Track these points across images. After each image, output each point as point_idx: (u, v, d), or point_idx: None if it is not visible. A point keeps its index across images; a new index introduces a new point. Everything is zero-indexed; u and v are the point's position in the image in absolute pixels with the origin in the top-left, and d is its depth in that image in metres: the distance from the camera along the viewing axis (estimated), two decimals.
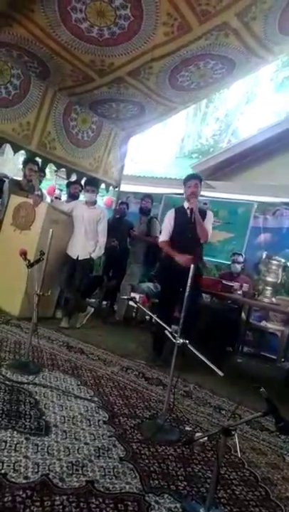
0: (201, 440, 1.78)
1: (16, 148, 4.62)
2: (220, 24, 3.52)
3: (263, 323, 4.86)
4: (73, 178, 5.36)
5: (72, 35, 3.76)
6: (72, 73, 4.34)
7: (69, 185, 4.99)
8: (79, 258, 4.23)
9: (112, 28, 3.66)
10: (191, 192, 3.51)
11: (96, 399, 2.50)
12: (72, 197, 4.78)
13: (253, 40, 3.77)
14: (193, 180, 3.57)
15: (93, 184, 4.42)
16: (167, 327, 2.36)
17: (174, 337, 2.29)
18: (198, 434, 1.97)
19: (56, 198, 5.97)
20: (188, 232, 3.53)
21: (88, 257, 4.23)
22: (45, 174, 5.29)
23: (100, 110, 5.17)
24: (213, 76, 4.38)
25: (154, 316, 2.58)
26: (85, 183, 4.52)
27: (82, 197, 4.73)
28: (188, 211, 3.57)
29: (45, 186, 7.10)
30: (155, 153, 17.20)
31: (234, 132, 16.43)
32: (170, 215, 3.69)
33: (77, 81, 4.49)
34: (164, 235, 3.72)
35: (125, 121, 5.48)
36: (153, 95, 4.72)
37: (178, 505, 1.63)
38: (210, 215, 3.67)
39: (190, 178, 3.62)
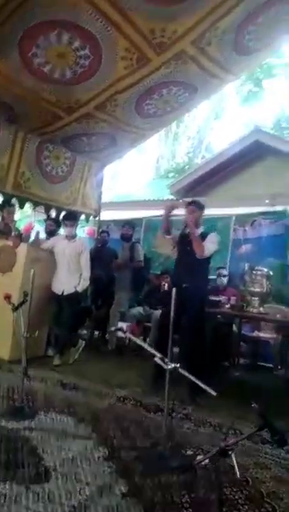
0: (203, 463, 1.78)
1: None
2: (177, 53, 3.65)
3: (255, 333, 4.89)
4: (52, 213, 5.41)
5: (37, 78, 3.87)
6: (40, 114, 4.45)
7: (45, 221, 5.11)
8: (64, 293, 4.23)
9: (73, 67, 3.77)
10: (187, 213, 3.77)
11: (94, 435, 2.49)
12: (50, 234, 4.82)
13: (212, 64, 3.91)
14: (188, 205, 3.87)
15: (71, 218, 4.48)
16: (156, 353, 2.38)
17: (165, 362, 2.31)
18: (198, 458, 1.97)
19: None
20: (185, 254, 3.73)
21: (73, 291, 4.24)
22: (21, 207, 5.31)
23: (72, 145, 5.28)
24: (178, 101, 4.52)
25: (143, 344, 2.60)
26: (63, 218, 4.59)
27: (62, 231, 4.78)
28: (187, 235, 3.78)
29: (22, 224, 7.15)
30: (132, 177, 17.48)
31: (207, 147, 16.82)
32: (175, 234, 3.94)
33: (46, 121, 4.60)
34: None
35: (98, 153, 5.60)
36: (122, 125, 4.85)
37: None
38: (211, 235, 3.79)
39: (186, 205, 3.91)
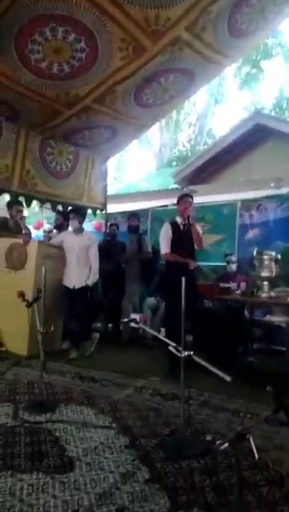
0: (222, 447, 1.81)
1: None
2: (172, 39, 3.64)
3: (268, 318, 4.89)
4: (60, 207, 5.45)
5: (35, 75, 3.88)
6: (40, 110, 4.46)
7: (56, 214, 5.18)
8: (75, 287, 4.29)
9: (70, 61, 3.77)
10: (184, 208, 3.90)
11: (115, 425, 2.54)
12: (59, 228, 4.85)
13: (207, 49, 3.89)
14: (186, 197, 4.00)
15: (76, 212, 4.50)
16: (171, 342, 2.41)
17: (179, 350, 2.34)
18: (217, 443, 2.01)
19: (49, 231, 6.03)
20: (183, 243, 3.87)
21: (84, 284, 4.30)
22: (28, 205, 5.35)
23: (74, 140, 5.29)
24: (176, 89, 4.50)
25: (156, 333, 2.63)
26: (68, 212, 4.62)
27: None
28: (181, 226, 3.92)
29: (32, 221, 7.20)
30: (136, 168, 17.43)
31: (209, 133, 16.67)
32: (167, 228, 3.96)
33: (47, 117, 4.61)
34: (165, 247, 3.94)
35: (100, 146, 5.60)
36: (122, 117, 4.84)
37: None
38: (197, 226, 4.03)
39: (182, 197, 4.03)
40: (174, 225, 3.96)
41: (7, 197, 4.93)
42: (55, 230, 5.03)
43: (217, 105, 17.20)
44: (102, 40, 3.55)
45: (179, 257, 3.83)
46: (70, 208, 5.04)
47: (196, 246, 3.92)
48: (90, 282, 4.34)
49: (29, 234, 4.47)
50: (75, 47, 3.60)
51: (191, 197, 4.05)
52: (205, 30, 3.62)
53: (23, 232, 4.30)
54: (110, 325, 5.66)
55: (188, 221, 3.85)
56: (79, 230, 4.42)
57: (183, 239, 3.88)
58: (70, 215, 4.50)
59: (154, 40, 3.60)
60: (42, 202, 5.35)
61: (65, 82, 4.03)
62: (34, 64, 3.74)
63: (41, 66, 3.77)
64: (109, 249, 5.33)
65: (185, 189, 7.32)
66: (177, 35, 3.58)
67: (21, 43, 3.48)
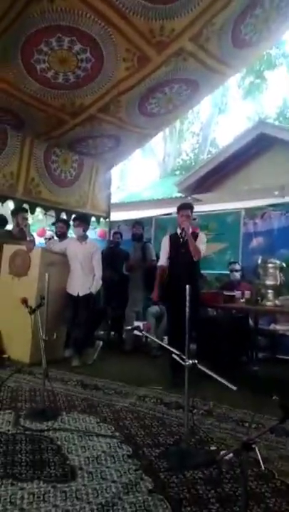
0: (227, 458, 1.78)
1: (2, 199, 4.75)
2: (177, 50, 3.69)
3: (272, 326, 4.85)
4: (63, 215, 5.46)
5: (40, 84, 3.93)
6: (45, 119, 4.51)
7: (55, 224, 5.09)
8: (79, 295, 4.28)
9: (76, 71, 3.82)
10: (181, 221, 3.90)
11: (117, 434, 2.51)
12: (61, 236, 4.85)
13: (211, 59, 3.94)
14: (184, 210, 3.95)
15: (81, 220, 4.52)
16: (175, 350, 2.39)
17: (183, 359, 2.32)
18: (222, 453, 1.97)
19: (50, 238, 6.05)
20: (181, 255, 3.87)
21: (88, 292, 4.29)
22: (33, 212, 5.35)
23: (79, 148, 5.34)
24: (180, 98, 4.55)
25: (159, 341, 2.61)
26: (72, 220, 4.64)
27: (70, 233, 4.82)
28: (180, 237, 3.94)
29: (35, 229, 7.24)
30: (139, 177, 17.52)
31: (212, 143, 16.76)
32: (165, 241, 4.06)
33: (52, 125, 4.66)
34: (161, 260, 4.06)
35: (104, 154, 5.64)
36: (126, 126, 4.88)
37: None
38: (201, 236, 4.01)
39: (181, 207, 4.00)
40: (173, 237, 4.02)
41: (11, 204, 4.97)
42: (56, 238, 5.00)
43: (221, 115, 17.32)
44: (107, 51, 3.60)
45: (158, 281, 4.04)
46: (73, 215, 5.04)
47: (194, 257, 3.86)
48: (93, 290, 4.33)
49: (33, 241, 4.48)
50: (80, 57, 3.66)
51: (191, 207, 4.02)
52: (209, 41, 3.67)
53: (28, 239, 4.30)
54: (113, 333, 5.64)
55: (183, 234, 3.87)
56: (83, 238, 4.42)
57: (181, 250, 3.89)
58: (74, 222, 4.50)
59: (158, 50, 3.65)
60: (46, 209, 5.38)
61: (70, 92, 4.09)
62: (40, 73, 3.79)
63: (47, 75, 3.82)
64: (112, 257, 5.33)
65: (189, 198, 7.35)
66: (181, 45, 3.63)
67: (27, 52, 3.54)
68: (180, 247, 3.91)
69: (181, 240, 3.91)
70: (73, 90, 4.06)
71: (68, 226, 4.91)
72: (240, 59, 4.19)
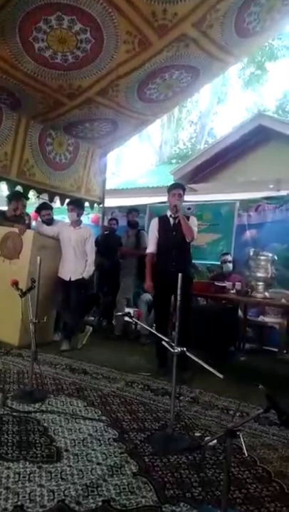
0: (211, 444, 1.81)
1: None
2: (179, 36, 3.62)
3: (261, 318, 4.91)
4: (56, 201, 5.40)
5: (37, 63, 3.84)
6: (42, 100, 4.42)
7: (39, 211, 4.80)
8: (71, 279, 4.27)
9: (75, 52, 3.74)
10: (174, 199, 3.66)
11: (104, 418, 2.54)
12: (47, 223, 4.65)
13: (213, 46, 3.88)
14: (176, 189, 3.73)
15: (75, 204, 4.47)
16: (163, 337, 2.41)
17: (172, 346, 2.33)
18: (206, 439, 2.01)
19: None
20: (172, 238, 3.66)
21: (80, 277, 4.28)
22: (28, 198, 5.21)
23: (75, 132, 5.26)
24: (180, 85, 4.49)
25: (150, 328, 2.63)
26: (68, 204, 4.59)
27: (58, 217, 4.75)
28: (170, 219, 3.71)
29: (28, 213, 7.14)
30: (135, 164, 17.38)
31: (210, 133, 16.64)
32: (154, 225, 3.81)
33: (48, 107, 4.58)
34: (150, 247, 3.83)
35: (101, 139, 5.57)
36: (124, 111, 4.82)
37: (194, 511, 1.66)
38: (193, 219, 3.81)
39: (173, 187, 3.79)
40: (163, 219, 3.78)
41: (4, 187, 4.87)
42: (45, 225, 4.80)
43: (220, 104, 17.17)
44: (107, 32, 3.52)
45: (148, 271, 3.77)
46: (67, 200, 4.98)
47: (186, 238, 3.62)
48: (85, 275, 4.31)
49: (28, 223, 4.43)
50: (80, 37, 3.58)
51: (183, 187, 3.78)
52: (212, 28, 3.61)
53: (26, 222, 4.27)
54: (102, 319, 5.65)
55: (174, 211, 3.62)
56: (77, 223, 4.39)
57: (172, 233, 3.67)
58: (68, 207, 4.46)
59: (160, 35, 3.58)
60: (39, 192, 5.32)
61: (69, 73, 4.00)
62: (38, 52, 3.70)
63: (45, 55, 3.74)
64: (107, 243, 5.31)
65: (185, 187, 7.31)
66: (184, 31, 3.56)
67: (26, 29, 3.45)
68: (170, 229, 3.68)
69: (172, 221, 3.68)
70: (71, 71, 3.98)
71: (53, 210, 4.77)
72: (243, 48, 4.14)
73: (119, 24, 3.43)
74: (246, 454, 2.05)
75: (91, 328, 4.59)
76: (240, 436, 1.62)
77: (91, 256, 4.37)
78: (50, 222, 4.68)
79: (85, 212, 6.53)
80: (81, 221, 4.49)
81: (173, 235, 3.66)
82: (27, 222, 4.42)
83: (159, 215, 3.98)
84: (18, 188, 4.86)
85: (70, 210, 4.38)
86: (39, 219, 4.85)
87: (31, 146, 4.90)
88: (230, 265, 5.10)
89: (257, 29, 3.78)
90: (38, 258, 2.87)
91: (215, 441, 1.82)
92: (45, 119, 4.85)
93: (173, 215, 3.68)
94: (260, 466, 2.09)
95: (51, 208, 4.82)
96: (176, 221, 3.66)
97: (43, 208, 4.78)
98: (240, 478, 1.96)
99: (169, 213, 3.74)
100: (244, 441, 1.74)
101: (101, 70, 3.98)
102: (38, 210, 4.84)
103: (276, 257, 4.22)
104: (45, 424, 2.35)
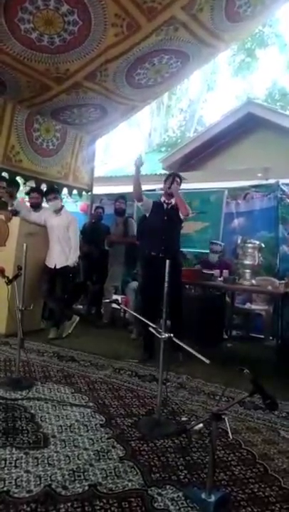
0: (197, 428, 1.84)
1: None
2: (168, 19, 3.56)
3: (248, 305, 4.96)
4: (33, 184, 5.24)
5: (23, 46, 3.74)
6: (28, 84, 4.32)
7: (29, 194, 4.74)
8: (56, 267, 4.24)
9: (62, 34, 3.65)
10: (174, 185, 3.75)
11: (91, 404, 2.55)
12: (35, 207, 4.59)
13: (203, 31, 3.83)
14: (178, 177, 3.86)
15: (52, 192, 4.42)
16: (151, 323, 2.42)
17: (159, 332, 2.35)
18: (192, 423, 2.04)
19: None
20: (164, 223, 3.73)
21: (65, 264, 4.25)
22: (19, 186, 5.12)
23: (62, 117, 5.16)
24: (169, 70, 4.43)
25: (137, 315, 2.63)
26: (44, 194, 4.50)
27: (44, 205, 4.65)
28: (164, 204, 3.82)
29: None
30: (124, 151, 17.22)
31: (199, 121, 16.54)
32: (149, 202, 3.88)
33: (35, 91, 4.47)
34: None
35: (89, 125, 5.49)
36: (112, 96, 4.74)
37: (180, 494, 1.69)
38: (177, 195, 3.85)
39: (176, 174, 3.92)
40: (156, 203, 3.85)
41: None
42: (32, 212, 4.70)
43: (209, 92, 17.04)
44: (95, 14, 3.44)
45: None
46: (45, 189, 4.85)
47: (181, 213, 3.72)
48: (70, 262, 4.26)
49: (15, 210, 4.35)
50: (67, 19, 3.48)
51: (180, 177, 3.89)
52: (202, 12, 3.55)
53: (10, 208, 4.19)
54: (89, 307, 5.64)
55: (170, 192, 3.72)
56: (59, 210, 4.35)
57: (164, 217, 3.74)
58: (47, 196, 4.38)
59: (149, 18, 3.51)
60: (26, 179, 5.22)
61: (56, 56, 3.90)
62: (23, 34, 3.59)
63: (31, 37, 3.63)
64: (93, 232, 5.27)
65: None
66: (173, 14, 3.50)
67: (11, 10, 3.33)
68: (162, 213, 3.76)
69: (165, 206, 3.78)
70: (58, 54, 3.88)
71: (43, 196, 4.69)
72: (233, 33, 4.09)
73: (107, 6, 3.35)
74: (231, 437, 2.09)
75: (78, 318, 4.57)
76: (226, 419, 1.65)
77: (74, 241, 4.33)
78: (37, 206, 4.60)
79: (73, 200, 6.47)
80: (62, 207, 4.42)
81: (164, 219, 3.75)
82: (12, 208, 4.32)
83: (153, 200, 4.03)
84: (4, 174, 4.76)
85: (51, 199, 4.31)
86: (27, 203, 4.77)
87: (17, 131, 4.80)
88: (217, 256, 5.09)
89: (247, 13, 3.73)
90: (24, 245, 2.84)
91: (201, 425, 1.85)
92: (31, 103, 4.74)
93: (167, 201, 3.79)
94: (245, 449, 2.14)
95: (41, 193, 4.68)
96: (169, 206, 3.78)
97: (34, 191, 4.70)
98: (226, 461, 2.00)
99: (163, 199, 3.85)
100: (229, 425, 1.78)
101: (89, 53, 3.89)
102: (28, 193, 4.77)
103: (263, 245, 4.24)
104: (32, 411, 2.36)
